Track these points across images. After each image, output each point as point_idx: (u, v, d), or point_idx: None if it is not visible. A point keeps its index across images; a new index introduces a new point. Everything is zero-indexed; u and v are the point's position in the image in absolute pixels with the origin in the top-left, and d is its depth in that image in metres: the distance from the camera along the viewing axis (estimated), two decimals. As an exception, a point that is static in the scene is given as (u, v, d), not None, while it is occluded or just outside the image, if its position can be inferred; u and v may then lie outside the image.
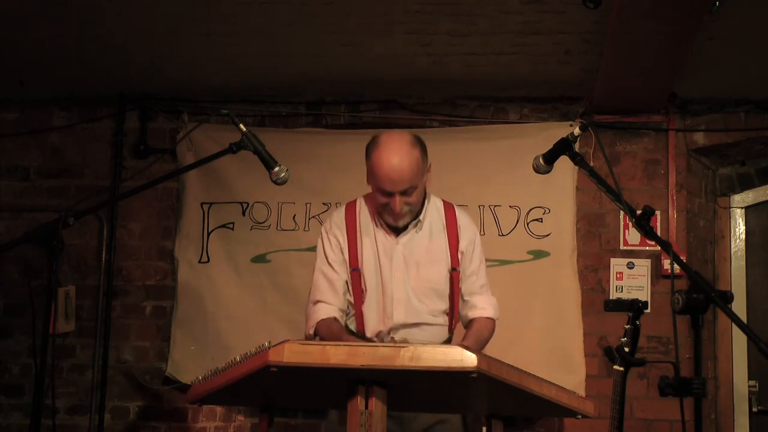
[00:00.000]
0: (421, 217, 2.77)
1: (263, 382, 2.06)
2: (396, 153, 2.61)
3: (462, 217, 2.85)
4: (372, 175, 2.67)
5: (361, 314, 2.75)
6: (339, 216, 2.85)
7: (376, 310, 2.73)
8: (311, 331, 2.75)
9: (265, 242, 4.33)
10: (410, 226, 2.76)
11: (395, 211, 2.65)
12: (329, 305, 2.75)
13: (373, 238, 2.77)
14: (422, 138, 2.77)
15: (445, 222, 2.81)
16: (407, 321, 2.71)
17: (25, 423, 4.35)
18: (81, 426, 4.37)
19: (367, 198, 2.84)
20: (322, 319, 2.73)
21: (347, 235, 2.78)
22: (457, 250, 2.79)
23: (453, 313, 2.80)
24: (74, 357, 4.43)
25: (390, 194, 2.63)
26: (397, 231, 2.77)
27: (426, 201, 2.80)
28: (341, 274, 2.77)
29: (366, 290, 2.74)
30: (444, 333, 2.80)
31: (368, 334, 2.75)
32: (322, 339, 2.69)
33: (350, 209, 2.84)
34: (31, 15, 3.49)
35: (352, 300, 2.77)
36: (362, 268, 2.75)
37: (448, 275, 2.78)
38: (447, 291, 2.78)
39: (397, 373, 1.89)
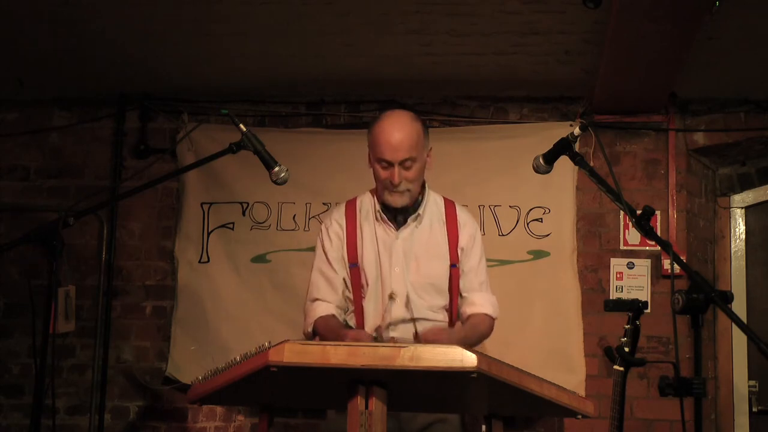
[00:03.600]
0: (420, 210, 2.76)
1: (263, 382, 2.05)
2: (397, 122, 2.65)
3: (462, 214, 2.84)
4: (373, 147, 2.67)
5: (362, 309, 2.73)
6: (339, 212, 2.84)
7: (375, 304, 2.72)
8: (310, 329, 2.75)
9: (265, 242, 4.33)
10: (410, 220, 2.75)
11: (394, 182, 2.63)
12: (327, 303, 2.76)
13: (373, 232, 2.76)
14: None
15: (445, 218, 2.80)
16: (406, 316, 2.70)
17: (25, 423, 4.35)
18: (81, 426, 4.37)
19: (369, 193, 2.83)
20: (320, 317, 2.73)
21: (347, 231, 2.78)
22: (457, 246, 2.77)
23: (452, 309, 2.79)
24: (74, 357, 4.43)
25: (390, 164, 2.63)
26: (397, 225, 2.76)
27: (425, 194, 2.79)
28: (339, 272, 2.77)
29: (367, 285, 2.73)
30: None
31: (367, 330, 2.73)
32: (320, 335, 2.69)
33: (350, 205, 2.84)
34: (30, 15, 3.49)
35: (351, 297, 2.76)
36: (362, 264, 2.74)
37: (448, 271, 2.76)
38: (446, 287, 2.76)
39: (397, 373, 1.89)
